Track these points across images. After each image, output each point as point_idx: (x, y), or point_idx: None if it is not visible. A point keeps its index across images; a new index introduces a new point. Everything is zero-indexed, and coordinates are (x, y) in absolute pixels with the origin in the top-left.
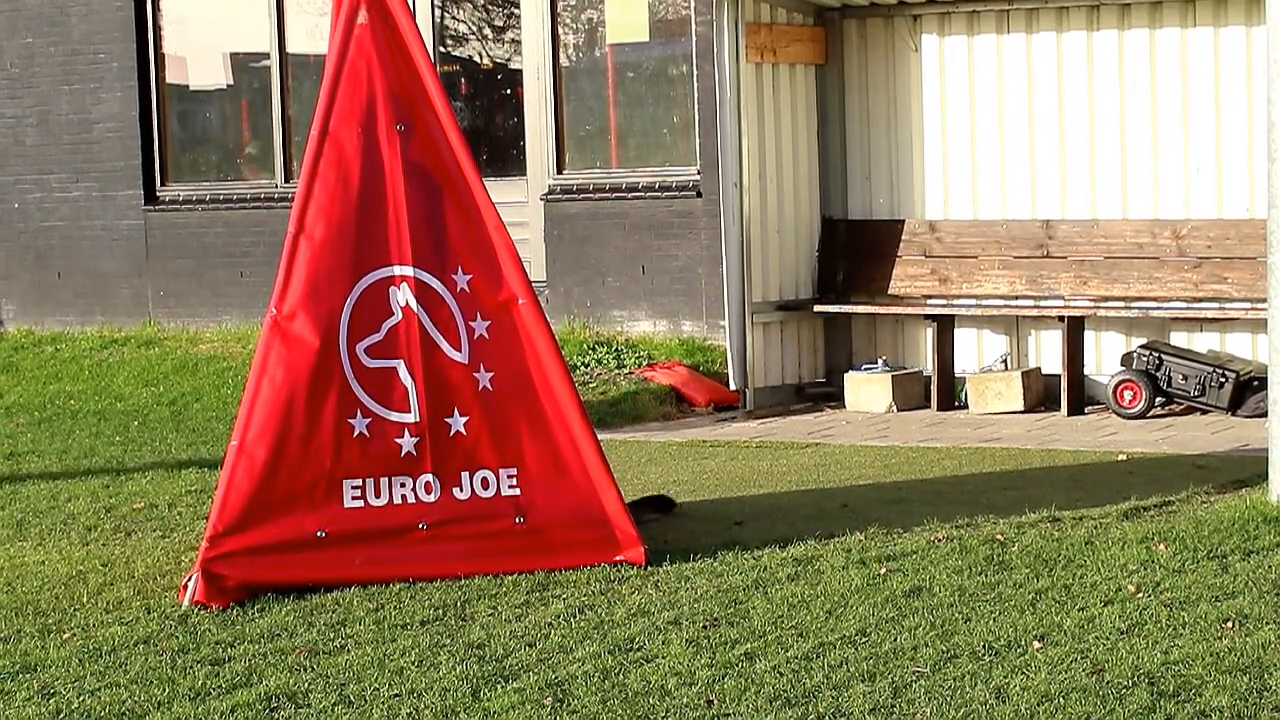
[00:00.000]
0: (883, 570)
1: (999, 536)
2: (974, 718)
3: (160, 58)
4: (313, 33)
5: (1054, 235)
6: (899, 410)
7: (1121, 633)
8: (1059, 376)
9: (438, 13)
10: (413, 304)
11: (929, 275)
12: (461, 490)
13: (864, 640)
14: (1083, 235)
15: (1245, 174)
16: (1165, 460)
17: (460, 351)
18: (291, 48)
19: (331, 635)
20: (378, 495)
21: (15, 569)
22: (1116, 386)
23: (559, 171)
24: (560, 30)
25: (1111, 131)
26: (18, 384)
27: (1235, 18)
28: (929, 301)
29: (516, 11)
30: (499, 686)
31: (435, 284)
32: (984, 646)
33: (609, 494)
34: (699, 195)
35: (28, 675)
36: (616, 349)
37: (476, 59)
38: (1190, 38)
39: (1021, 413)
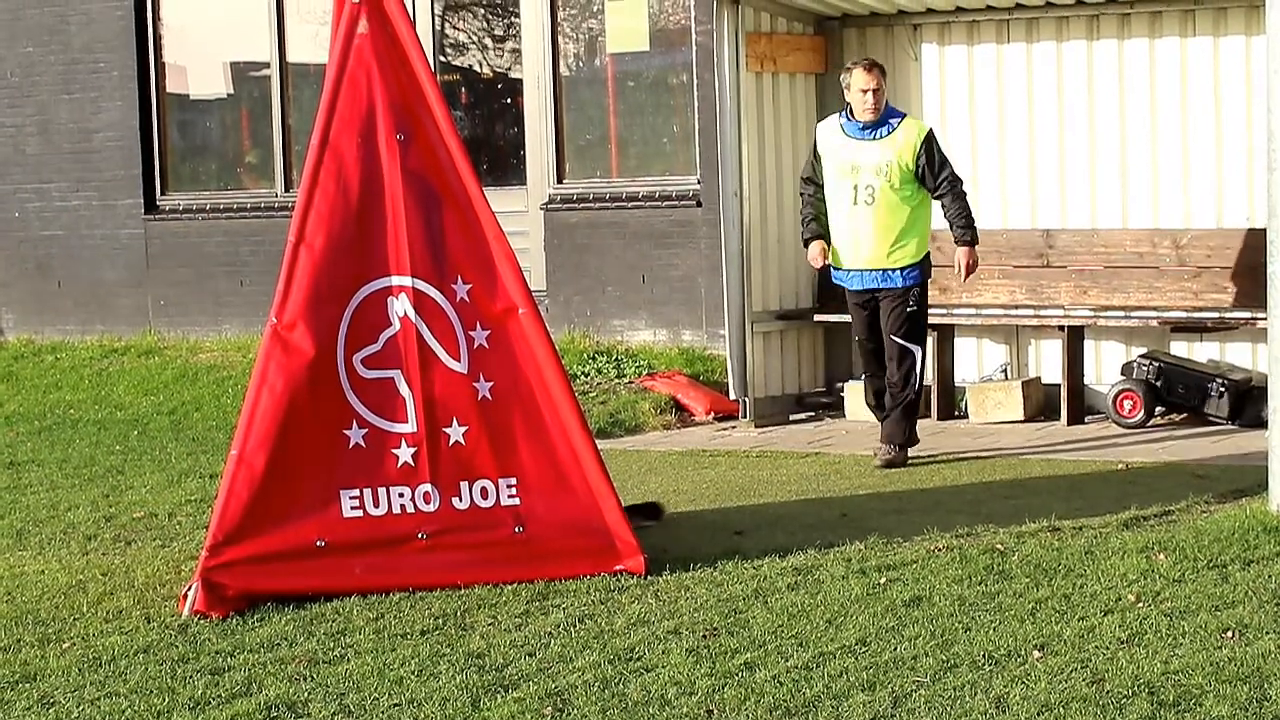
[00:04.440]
0: (883, 580)
1: (999, 546)
2: None
3: (160, 67)
4: (313, 42)
5: (1054, 244)
6: None
7: (1121, 642)
8: (1059, 386)
9: (438, 22)
10: (411, 314)
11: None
12: (460, 500)
13: (864, 650)
14: (1082, 245)
15: (1245, 183)
16: (1165, 469)
17: (459, 361)
18: (292, 57)
19: (331, 645)
20: (376, 505)
21: (15, 578)
22: (1116, 396)
23: (559, 181)
24: (560, 40)
25: (1111, 141)
26: (18, 393)
27: (1235, 27)
28: (929, 311)
29: (517, 21)
30: (499, 696)
31: (434, 294)
32: (984, 656)
33: (609, 503)
34: (699, 204)
35: (27, 684)
36: (616, 358)
37: (476, 68)
38: (1190, 47)
39: (1021, 422)
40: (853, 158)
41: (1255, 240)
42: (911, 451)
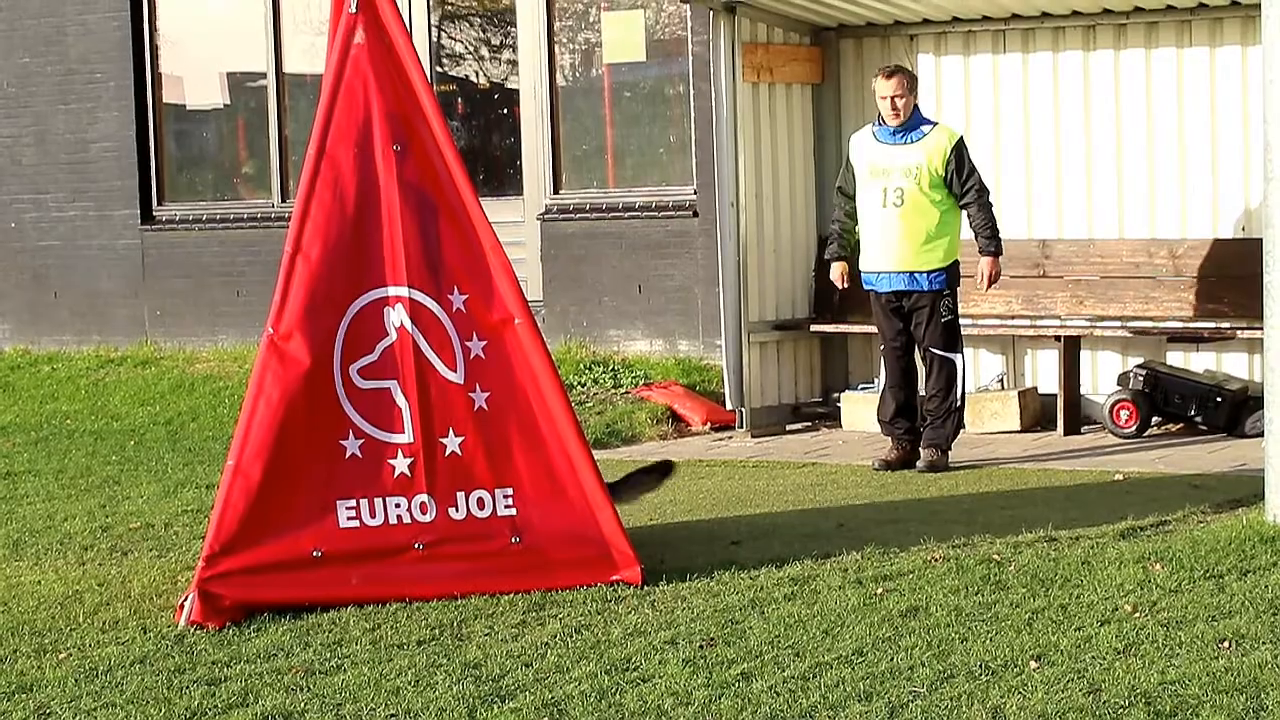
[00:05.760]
0: (879, 590)
1: (995, 556)
2: None
3: (157, 77)
4: (309, 52)
5: (1050, 255)
6: None
7: (1118, 652)
8: (1055, 396)
9: (435, 32)
10: (407, 324)
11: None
12: (457, 510)
13: (860, 660)
14: (1079, 255)
15: (1241, 193)
16: (1161, 480)
17: (456, 371)
18: (288, 67)
19: (328, 655)
20: (373, 515)
21: (11, 589)
22: (1113, 406)
23: (555, 191)
24: (557, 50)
25: (1107, 151)
26: (14, 404)
27: (1231, 37)
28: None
29: (513, 31)
30: (495, 706)
31: (430, 304)
32: (980, 666)
33: (605, 513)
34: (695, 215)
35: (24, 695)
36: (613, 368)
37: (473, 78)
38: (1186, 57)
39: (1018, 432)
40: (883, 161)
41: (1252, 250)
42: (898, 462)
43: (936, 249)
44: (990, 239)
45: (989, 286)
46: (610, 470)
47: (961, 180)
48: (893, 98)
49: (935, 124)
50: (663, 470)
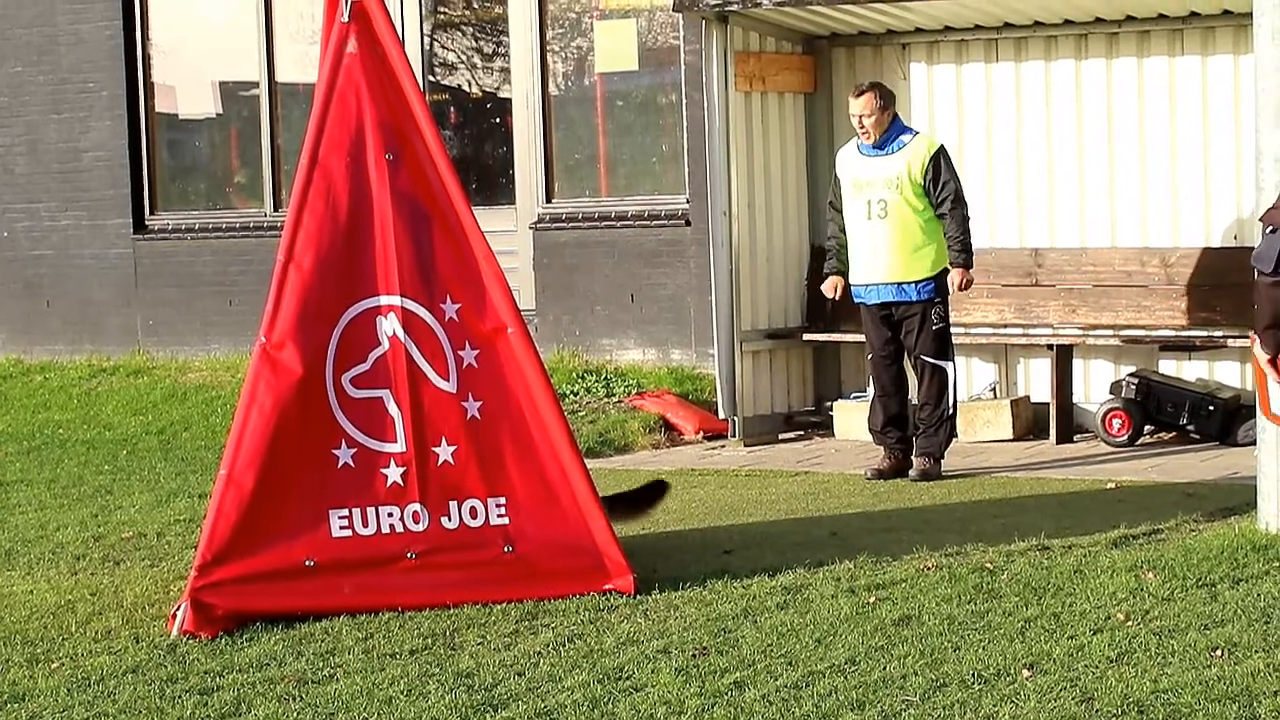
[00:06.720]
0: (872, 599)
1: (988, 565)
2: None
3: (149, 86)
4: (302, 61)
5: (1042, 263)
6: None
7: (1111, 661)
8: (1048, 405)
9: (427, 41)
10: (400, 334)
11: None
12: (450, 519)
13: (853, 669)
14: (1071, 263)
15: (1233, 202)
16: (1154, 488)
17: (448, 381)
18: (281, 76)
19: (320, 664)
20: (365, 524)
21: (3, 598)
22: (1105, 415)
23: (548, 200)
24: (549, 59)
25: (1100, 159)
26: (6, 413)
27: (1223, 46)
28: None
29: (505, 40)
30: (488, 716)
31: (423, 313)
32: (973, 675)
33: (598, 523)
34: (688, 224)
35: (16, 705)
36: (605, 377)
37: (466, 88)
38: (1178, 66)
39: (1010, 441)
40: (865, 174)
41: (1244, 259)
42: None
43: (924, 258)
44: (961, 251)
45: (956, 291)
46: (601, 480)
47: (937, 189)
48: (861, 117)
49: (916, 133)
50: (655, 493)
